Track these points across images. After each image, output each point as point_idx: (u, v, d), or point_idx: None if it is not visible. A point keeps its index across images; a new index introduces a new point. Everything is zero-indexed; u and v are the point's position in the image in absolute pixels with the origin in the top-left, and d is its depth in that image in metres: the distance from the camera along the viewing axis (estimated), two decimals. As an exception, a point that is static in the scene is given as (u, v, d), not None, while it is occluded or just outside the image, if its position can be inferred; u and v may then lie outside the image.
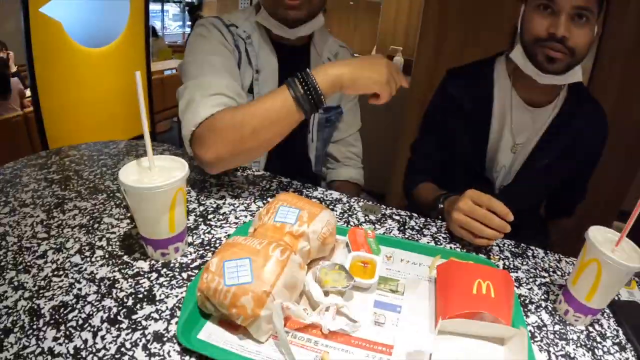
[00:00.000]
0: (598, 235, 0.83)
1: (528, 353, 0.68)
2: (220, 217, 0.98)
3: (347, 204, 1.12)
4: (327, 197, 1.16)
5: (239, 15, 1.25)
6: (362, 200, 1.16)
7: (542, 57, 1.12)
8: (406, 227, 1.06)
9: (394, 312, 0.76)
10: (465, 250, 1.01)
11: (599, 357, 0.78)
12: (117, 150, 1.32)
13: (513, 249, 1.08)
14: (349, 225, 1.02)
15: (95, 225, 0.91)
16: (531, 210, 1.51)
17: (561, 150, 1.30)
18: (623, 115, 2.89)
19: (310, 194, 1.16)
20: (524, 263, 1.03)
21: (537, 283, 0.96)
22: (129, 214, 0.95)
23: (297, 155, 1.24)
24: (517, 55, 1.19)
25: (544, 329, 0.82)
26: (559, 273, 1.02)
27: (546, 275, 1.00)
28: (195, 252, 0.85)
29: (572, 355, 0.77)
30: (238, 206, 1.03)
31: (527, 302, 0.89)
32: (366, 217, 1.07)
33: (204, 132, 0.98)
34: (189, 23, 10.95)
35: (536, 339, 0.79)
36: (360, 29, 7.75)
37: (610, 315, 0.91)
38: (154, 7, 10.19)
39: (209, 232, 0.92)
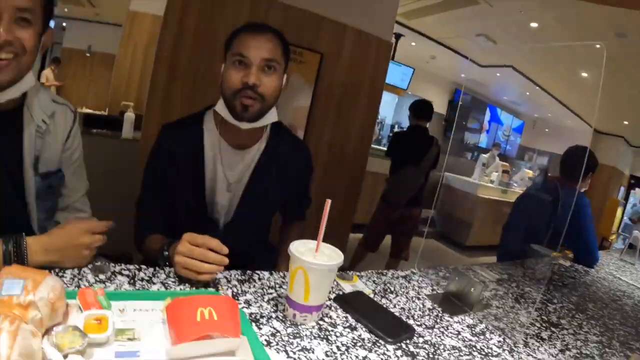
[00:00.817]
0: (300, 247, 1.04)
1: (261, 355, 0.84)
2: None
3: (76, 268, 1.12)
4: (54, 263, 1.15)
5: None
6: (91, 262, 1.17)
7: (239, 106, 1.32)
8: (136, 279, 1.12)
9: (134, 357, 0.81)
10: (194, 288, 1.12)
11: (334, 341, 0.98)
12: None
13: (239, 277, 1.23)
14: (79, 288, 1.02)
15: None
16: (259, 239, 1.69)
17: (271, 182, 1.51)
18: (340, 146, 3.45)
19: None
20: (252, 286, 1.18)
21: (265, 299, 1.12)
22: None
23: (18, 228, 1.10)
24: (221, 108, 1.37)
25: (278, 334, 0.97)
26: (285, 287, 1.20)
27: (273, 291, 1.18)
28: None
29: (308, 347, 0.94)
30: (-32, 288, 0.96)
31: (258, 317, 1.03)
32: (96, 278, 1.09)
33: None
34: None
35: (272, 344, 0.93)
36: (96, 82, 7.41)
37: (338, 307, 1.14)
38: None
39: None
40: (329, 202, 1.04)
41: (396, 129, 8.70)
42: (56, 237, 1.10)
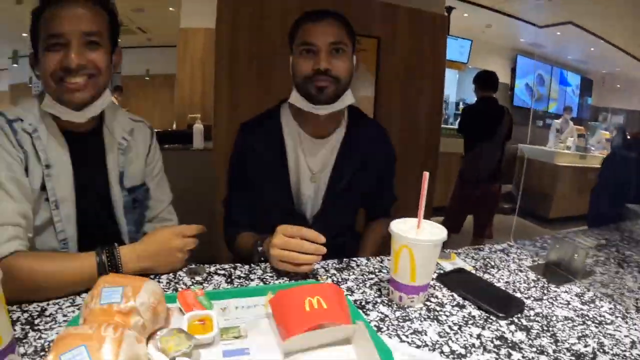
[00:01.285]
0: (401, 225, 0.98)
1: (375, 340, 0.77)
2: (48, 319, 0.90)
3: (171, 273, 1.12)
4: (148, 270, 1.16)
5: (24, 106, 1.15)
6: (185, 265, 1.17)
7: (313, 90, 1.30)
8: (233, 277, 1.11)
9: (244, 354, 0.78)
10: (293, 281, 1.09)
11: (444, 321, 0.95)
12: None
13: (337, 266, 1.20)
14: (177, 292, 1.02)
15: None
16: (347, 228, 1.64)
17: (355, 171, 1.46)
18: (410, 130, 3.35)
19: (130, 272, 1.15)
20: (351, 273, 1.15)
21: (367, 285, 1.08)
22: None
23: (110, 242, 1.13)
24: (295, 98, 1.36)
25: (387, 319, 0.94)
26: (384, 271, 1.18)
27: (373, 276, 1.14)
28: (31, 362, 0.77)
29: (420, 329, 0.91)
30: (63, 303, 0.96)
31: (363, 303, 0.99)
32: (192, 280, 1.08)
33: None
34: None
35: (383, 330, 0.89)
36: (159, 102, 7.65)
37: (442, 286, 1.09)
38: None
39: (40, 338, 0.83)
40: (426, 174, 0.98)
41: (461, 106, 8.41)
42: (148, 244, 1.11)
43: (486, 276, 1.22)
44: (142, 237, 1.34)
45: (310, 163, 1.45)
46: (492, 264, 1.32)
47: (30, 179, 1.10)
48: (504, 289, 1.14)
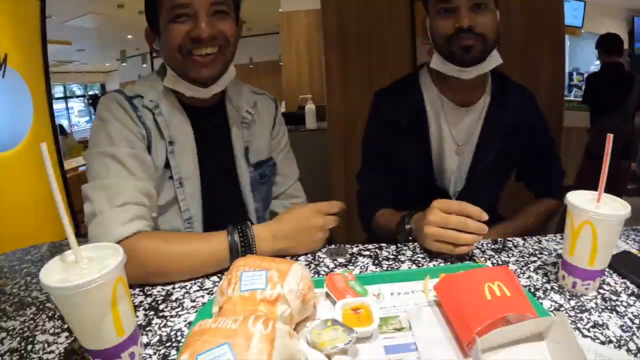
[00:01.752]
0: (577, 199, 0.83)
1: None
2: (174, 304, 0.83)
3: (310, 254, 1.03)
4: (284, 251, 1.07)
5: (143, 83, 1.12)
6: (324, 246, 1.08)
7: (458, 49, 1.16)
8: (380, 259, 0.99)
9: (411, 351, 0.66)
10: (449, 263, 0.97)
11: (623, 313, 0.78)
12: (40, 254, 1.18)
13: (493, 246, 1.06)
14: (320, 275, 0.92)
15: (29, 347, 0.73)
16: (492, 207, 1.48)
17: (504, 141, 1.31)
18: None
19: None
20: (510, 255, 1.02)
21: (532, 269, 0.95)
22: (65, 325, 0.78)
23: (237, 221, 1.06)
24: (437, 62, 1.23)
25: (562, 309, 0.80)
26: (545, 253, 1.03)
27: (536, 259, 1.00)
28: (155, 354, 0.69)
29: (600, 322, 0.75)
30: (190, 287, 0.90)
31: (532, 290, 0.86)
32: (335, 262, 0.98)
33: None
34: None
35: None
36: (265, 88, 7.79)
37: (611, 272, 0.92)
38: (57, 105, 9.94)
39: (165, 326, 0.76)
40: (610, 137, 0.80)
41: (575, 76, 7.77)
42: (285, 222, 1.03)
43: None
44: (269, 215, 1.31)
45: (455, 134, 1.31)
46: (657, 246, 1.11)
47: (153, 157, 1.06)
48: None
